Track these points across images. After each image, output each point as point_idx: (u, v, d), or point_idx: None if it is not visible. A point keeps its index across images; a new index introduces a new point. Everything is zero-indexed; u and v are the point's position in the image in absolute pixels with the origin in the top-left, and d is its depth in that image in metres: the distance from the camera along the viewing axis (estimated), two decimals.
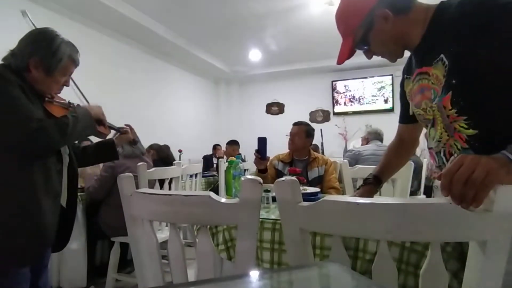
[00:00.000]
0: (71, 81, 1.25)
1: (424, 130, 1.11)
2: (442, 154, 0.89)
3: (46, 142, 1.01)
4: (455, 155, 0.83)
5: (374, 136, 3.35)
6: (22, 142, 0.98)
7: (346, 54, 0.97)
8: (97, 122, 1.23)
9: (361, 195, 1.20)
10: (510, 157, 0.57)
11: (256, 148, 1.89)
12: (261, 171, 2.03)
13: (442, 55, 0.82)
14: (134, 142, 1.57)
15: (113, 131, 1.40)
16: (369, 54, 0.99)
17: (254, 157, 1.93)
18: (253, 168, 2.16)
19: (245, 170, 3.18)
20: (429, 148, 0.97)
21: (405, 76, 1.07)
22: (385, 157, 1.30)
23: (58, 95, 1.25)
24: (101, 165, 2.42)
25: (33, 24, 1.25)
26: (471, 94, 0.77)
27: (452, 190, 0.53)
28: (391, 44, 0.93)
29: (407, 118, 1.17)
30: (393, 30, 0.89)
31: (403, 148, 1.27)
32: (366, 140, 3.52)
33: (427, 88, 0.91)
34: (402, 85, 1.14)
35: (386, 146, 3.27)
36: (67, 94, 1.30)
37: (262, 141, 1.87)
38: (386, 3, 0.88)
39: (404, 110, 1.18)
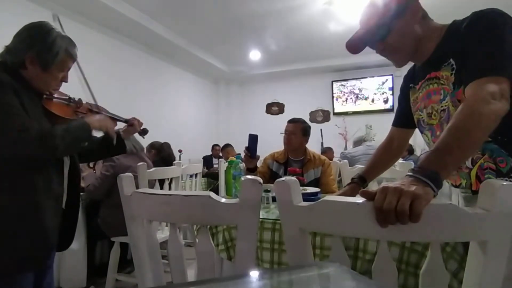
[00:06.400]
0: (82, 78, 1.22)
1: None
2: None
3: (25, 153, 0.97)
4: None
5: (360, 142, 3.63)
6: (2, 149, 0.95)
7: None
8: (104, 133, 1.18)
9: (344, 194, 1.23)
10: (417, 176, 0.62)
11: (247, 145, 1.79)
12: (250, 170, 1.89)
13: (450, 59, 0.91)
14: (144, 132, 1.55)
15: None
16: (381, 45, 0.99)
17: (244, 154, 1.82)
18: None
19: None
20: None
21: (410, 85, 1.12)
22: (372, 158, 1.32)
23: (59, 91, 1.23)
24: (100, 163, 2.42)
25: (62, 29, 1.23)
26: None
27: (388, 222, 0.56)
28: (410, 41, 0.97)
29: (401, 122, 1.24)
30: (416, 28, 0.96)
31: (391, 151, 1.30)
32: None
33: (435, 92, 0.96)
34: (403, 90, 1.18)
35: (376, 145, 3.36)
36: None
37: (253, 139, 1.76)
38: (418, 4, 0.96)
39: (400, 114, 1.23)
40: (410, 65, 1.15)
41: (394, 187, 0.58)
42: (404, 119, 1.20)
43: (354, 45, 0.99)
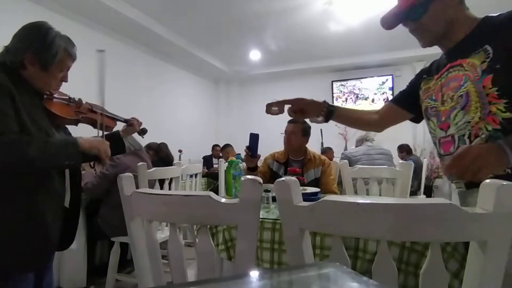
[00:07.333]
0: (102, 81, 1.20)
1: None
2: (466, 136, 0.94)
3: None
4: (482, 136, 0.90)
5: (362, 142, 3.57)
6: None
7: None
8: (93, 157, 1.12)
9: (308, 101, 1.27)
10: (502, 146, 0.74)
11: (248, 144, 1.77)
12: (250, 169, 1.90)
13: (486, 46, 0.91)
14: (143, 131, 1.55)
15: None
16: (414, 24, 1.02)
17: (245, 153, 1.80)
18: None
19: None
20: (444, 137, 1.02)
21: (424, 76, 1.15)
22: (355, 109, 1.38)
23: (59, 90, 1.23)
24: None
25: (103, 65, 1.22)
26: None
27: (458, 174, 0.74)
28: (442, 23, 0.99)
29: (395, 99, 1.28)
30: (452, 11, 0.98)
31: (370, 116, 1.32)
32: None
33: (454, 79, 0.98)
34: (414, 80, 1.21)
35: (377, 145, 3.36)
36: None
37: (254, 138, 1.74)
38: None
39: (399, 94, 1.28)
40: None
41: (476, 154, 0.75)
42: (401, 98, 1.25)
43: (388, 21, 1.03)
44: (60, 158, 1.02)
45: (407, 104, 1.21)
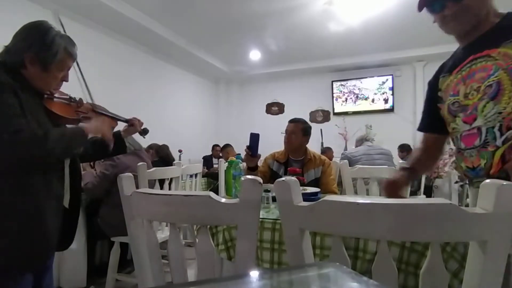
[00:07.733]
0: (80, 77, 1.22)
1: None
2: (497, 128, 0.91)
3: (21, 155, 0.95)
4: None
5: (362, 142, 3.54)
6: None
7: None
8: (100, 140, 1.21)
9: (396, 180, 1.20)
10: None
11: (248, 144, 1.77)
12: (250, 169, 1.90)
13: None
14: (144, 131, 1.55)
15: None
16: (454, 6, 0.99)
17: (245, 153, 1.81)
18: None
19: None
20: (467, 130, 0.98)
21: (440, 76, 1.12)
22: (412, 156, 1.30)
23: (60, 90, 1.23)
24: (100, 162, 2.42)
25: (63, 28, 1.23)
26: None
27: None
28: (483, 7, 0.98)
29: (430, 126, 1.21)
30: (488, 1, 0.98)
31: (429, 152, 1.25)
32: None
33: (481, 70, 0.96)
34: (430, 91, 1.16)
35: (377, 145, 3.34)
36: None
37: (254, 137, 1.74)
38: None
39: (428, 116, 1.21)
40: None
41: None
42: (433, 124, 1.18)
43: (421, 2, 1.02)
44: (75, 146, 1.13)
45: (440, 128, 1.15)
